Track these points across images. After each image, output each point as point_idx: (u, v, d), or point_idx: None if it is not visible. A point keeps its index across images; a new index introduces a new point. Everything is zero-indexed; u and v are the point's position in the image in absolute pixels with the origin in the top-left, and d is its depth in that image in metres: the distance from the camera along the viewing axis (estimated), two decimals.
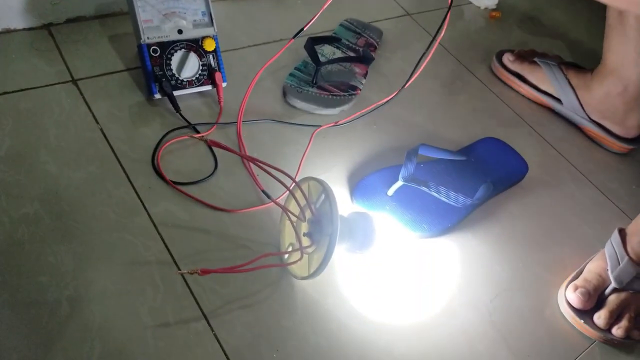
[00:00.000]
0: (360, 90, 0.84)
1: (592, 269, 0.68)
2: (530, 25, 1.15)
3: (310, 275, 0.57)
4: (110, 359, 0.51)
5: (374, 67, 0.89)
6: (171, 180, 0.65)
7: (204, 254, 0.60)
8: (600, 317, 0.65)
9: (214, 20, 0.74)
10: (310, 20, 0.77)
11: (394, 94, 0.79)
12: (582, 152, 0.90)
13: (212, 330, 0.55)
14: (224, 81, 0.75)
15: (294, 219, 0.59)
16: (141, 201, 0.63)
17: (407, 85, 0.77)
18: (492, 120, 0.90)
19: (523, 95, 0.96)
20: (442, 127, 0.85)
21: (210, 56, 0.74)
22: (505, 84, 0.97)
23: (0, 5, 0.73)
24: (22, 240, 0.56)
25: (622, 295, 0.66)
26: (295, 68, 0.83)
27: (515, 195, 0.78)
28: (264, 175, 0.60)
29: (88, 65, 0.74)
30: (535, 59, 0.94)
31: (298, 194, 0.60)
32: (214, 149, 0.70)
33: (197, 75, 0.73)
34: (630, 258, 0.65)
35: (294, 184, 0.59)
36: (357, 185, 0.71)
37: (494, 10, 1.13)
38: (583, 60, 1.10)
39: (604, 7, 0.83)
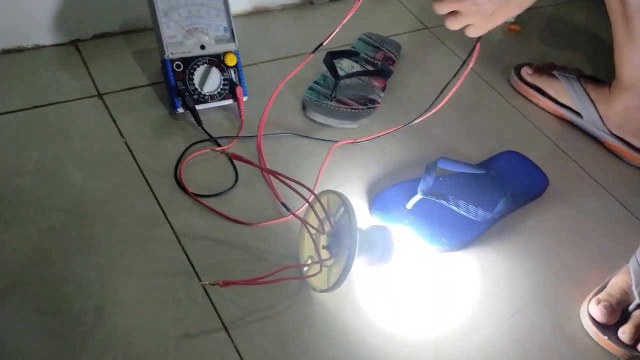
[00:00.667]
0: (379, 103, 0.84)
1: (616, 283, 0.67)
2: (550, 38, 1.15)
3: (330, 288, 0.57)
4: None
5: (392, 81, 0.89)
6: (193, 193, 0.66)
7: (224, 266, 0.61)
8: (625, 332, 0.64)
9: (235, 36, 0.76)
10: (330, 35, 0.78)
11: (418, 119, 0.79)
12: (603, 165, 0.89)
13: (232, 342, 0.56)
14: (244, 95, 0.76)
15: (313, 231, 0.59)
16: (164, 213, 0.64)
17: (433, 110, 0.76)
18: (511, 133, 0.89)
19: (543, 109, 0.95)
20: (462, 141, 0.85)
21: (232, 71, 0.75)
22: (524, 97, 0.96)
23: (30, 23, 0.76)
24: (48, 250, 0.58)
25: None
26: (315, 82, 0.84)
27: (535, 210, 0.78)
28: (284, 187, 0.60)
29: (113, 80, 0.76)
30: (554, 72, 0.93)
31: (317, 207, 0.61)
32: (235, 162, 0.71)
33: (219, 90, 0.75)
34: None
35: (312, 196, 0.60)
36: (376, 198, 0.71)
37: (513, 23, 1.13)
38: (605, 73, 1.09)
39: None
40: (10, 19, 0.74)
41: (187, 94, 0.72)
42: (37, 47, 0.78)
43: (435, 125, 0.86)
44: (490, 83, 0.97)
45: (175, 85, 0.72)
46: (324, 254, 0.59)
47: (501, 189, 0.75)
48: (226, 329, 0.56)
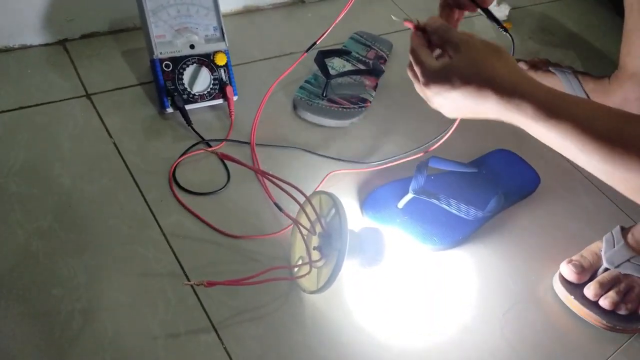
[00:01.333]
0: (371, 102, 0.84)
1: (591, 248, 0.70)
2: (541, 36, 1.15)
3: (319, 290, 0.57)
4: None
5: (384, 80, 0.89)
6: (183, 192, 0.65)
7: (214, 266, 0.61)
8: (589, 288, 0.66)
9: (225, 35, 0.75)
10: (324, 34, 0.78)
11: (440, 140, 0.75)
12: None
13: (222, 343, 0.55)
14: (235, 95, 0.76)
15: (304, 232, 0.59)
16: (153, 214, 0.63)
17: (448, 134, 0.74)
18: (503, 131, 0.89)
19: None
20: (454, 139, 0.85)
21: (222, 70, 0.75)
22: None
23: (17, 22, 0.75)
24: (36, 252, 0.57)
25: (614, 272, 0.67)
26: (306, 81, 0.84)
27: (527, 208, 0.78)
28: (276, 188, 0.60)
29: (102, 79, 0.76)
30: (550, 68, 0.93)
31: (308, 208, 0.60)
32: (228, 162, 0.70)
33: (209, 89, 0.74)
34: (626, 242, 0.67)
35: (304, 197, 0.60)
36: (367, 197, 0.71)
37: (504, 21, 1.13)
38: (595, 70, 1.09)
39: (615, 16, 0.83)
40: None
41: (176, 93, 0.72)
42: (24, 47, 0.77)
43: (427, 124, 0.86)
44: None
45: (164, 84, 0.71)
46: (315, 255, 0.59)
47: (493, 187, 0.75)
48: (216, 330, 0.56)
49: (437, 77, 0.55)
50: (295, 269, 0.61)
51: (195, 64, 0.73)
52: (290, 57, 0.88)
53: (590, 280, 0.68)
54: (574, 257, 0.69)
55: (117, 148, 0.69)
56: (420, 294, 0.65)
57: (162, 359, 0.53)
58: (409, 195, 0.68)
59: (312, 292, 0.59)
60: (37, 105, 0.71)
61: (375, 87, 0.86)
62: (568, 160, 0.87)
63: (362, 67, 0.89)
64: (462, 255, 0.70)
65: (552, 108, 0.50)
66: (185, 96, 0.73)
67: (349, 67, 0.88)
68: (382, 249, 0.61)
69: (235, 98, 0.76)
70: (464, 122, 0.89)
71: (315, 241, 0.60)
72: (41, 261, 0.57)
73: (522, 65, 0.95)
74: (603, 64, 1.10)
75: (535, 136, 0.53)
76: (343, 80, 0.85)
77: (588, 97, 0.89)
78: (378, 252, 0.61)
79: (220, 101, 0.75)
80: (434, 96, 0.57)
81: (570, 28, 1.20)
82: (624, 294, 0.66)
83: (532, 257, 0.72)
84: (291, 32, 0.93)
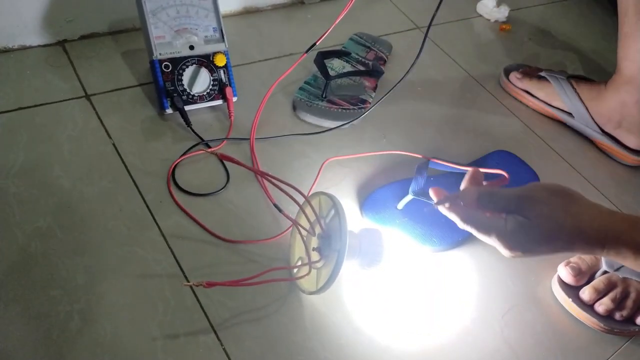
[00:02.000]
0: (370, 103, 0.84)
1: None
2: (540, 38, 1.15)
3: (318, 290, 0.57)
4: None
5: (383, 81, 0.89)
6: (182, 193, 0.65)
7: (213, 267, 0.61)
8: (584, 292, 0.67)
9: (225, 36, 0.75)
10: (324, 35, 0.78)
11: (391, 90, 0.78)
12: (594, 164, 0.89)
13: (222, 345, 0.55)
14: (234, 96, 0.76)
15: (304, 233, 0.59)
16: (152, 215, 0.63)
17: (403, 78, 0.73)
18: (502, 133, 0.89)
19: (533, 109, 0.95)
20: (453, 140, 0.85)
21: (221, 71, 0.75)
22: (515, 98, 0.96)
23: (16, 23, 0.75)
24: (34, 253, 0.57)
25: (612, 277, 0.67)
26: (305, 82, 0.84)
27: None
28: (276, 189, 0.60)
29: (101, 80, 0.76)
30: (543, 74, 0.93)
31: (308, 209, 0.60)
32: (227, 163, 0.70)
33: (208, 90, 0.74)
34: None
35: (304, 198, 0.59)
36: (367, 198, 0.71)
37: (504, 23, 1.13)
38: (594, 72, 1.09)
39: (614, 17, 0.83)
40: None
41: (175, 94, 0.72)
42: (23, 48, 0.77)
43: (426, 125, 0.86)
44: (482, 83, 0.97)
45: (163, 85, 0.71)
46: (314, 255, 0.59)
47: None
48: (215, 332, 0.56)
49: (516, 242, 0.51)
50: (295, 270, 0.61)
51: (194, 65, 0.73)
52: (290, 58, 0.88)
53: (589, 282, 0.68)
54: (572, 259, 0.69)
55: (116, 149, 0.69)
56: (420, 295, 0.64)
57: (160, 359, 0.53)
58: (409, 197, 0.67)
59: (311, 293, 0.59)
60: (36, 106, 0.71)
61: (374, 89, 0.86)
62: (565, 160, 0.88)
63: (361, 68, 0.89)
64: (462, 256, 0.70)
65: None
66: (184, 97, 0.73)
67: (348, 68, 0.88)
68: (381, 250, 0.61)
69: (234, 99, 0.76)
70: (462, 123, 0.89)
71: (314, 242, 0.60)
72: (40, 262, 0.57)
73: (516, 75, 0.95)
74: (602, 66, 1.10)
75: None
76: (342, 81, 0.85)
77: (584, 104, 0.89)
78: (377, 253, 0.61)
79: (219, 102, 0.75)
80: (521, 256, 0.53)
81: (569, 29, 1.20)
82: (619, 301, 0.66)
83: (532, 259, 0.72)
84: (291, 33, 0.93)
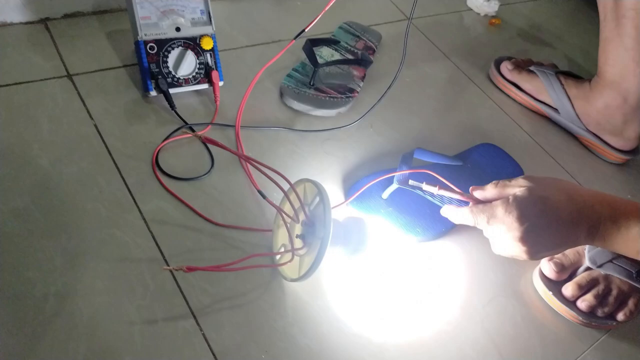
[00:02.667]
0: (358, 93, 0.83)
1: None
2: (529, 33, 1.15)
3: (300, 278, 0.56)
4: (96, 357, 0.50)
5: (372, 71, 0.88)
6: (166, 177, 0.64)
7: (195, 253, 0.60)
8: (567, 288, 0.67)
9: (212, 19, 0.74)
10: (312, 21, 0.77)
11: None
12: (578, 160, 0.90)
13: (201, 330, 0.54)
14: (220, 80, 0.74)
15: (288, 220, 0.58)
16: (133, 198, 0.62)
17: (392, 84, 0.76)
18: (489, 126, 0.89)
19: (520, 104, 0.95)
20: (439, 132, 0.85)
21: (208, 55, 0.74)
22: (502, 91, 0.97)
23: None
24: (10, 234, 0.56)
25: (594, 273, 0.68)
26: (293, 69, 0.83)
27: None
28: (260, 175, 0.59)
29: (84, 60, 0.74)
30: (532, 68, 0.93)
31: (292, 196, 0.59)
32: (212, 147, 0.69)
33: (194, 74, 0.73)
34: None
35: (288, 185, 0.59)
36: (352, 187, 0.70)
37: (493, 17, 1.13)
38: (582, 69, 1.10)
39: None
40: None
41: (160, 76, 0.70)
42: (4, 25, 0.75)
43: (414, 116, 0.86)
44: (470, 76, 0.97)
45: (148, 67, 0.70)
46: (298, 243, 0.58)
47: (477, 181, 0.75)
48: (195, 317, 0.55)
49: (525, 209, 0.55)
50: (277, 257, 0.61)
51: (180, 47, 0.72)
52: (278, 44, 0.87)
53: (570, 277, 0.68)
54: (555, 256, 0.69)
55: (98, 130, 0.67)
56: (402, 284, 0.64)
57: (138, 344, 0.52)
58: (394, 186, 0.67)
59: (293, 280, 0.58)
60: (16, 84, 0.69)
61: (363, 78, 0.86)
62: (550, 155, 0.89)
63: (350, 57, 0.88)
64: (445, 247, 0.70)
65: None
66: (169, 79, 0.71)
67: (337, 56, 0.87)
68: (365, 238, 0.61)
69: (221, 83, 0.75)
70: (449, 116, 0.89)
71: (298, 229, 0.60)
72: (16, 243, 0.55)
73: (507, 65, 0.95)
74: (589, 63, 1.11)
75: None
76: (331, 69, 0.84)
77: (570, 100, 0.89)
78: (361, 242, 0.61)
79: (205, 86, 0.74)
80: (521, 224, 0.55)
81: (558, 26, 1.21)
82: (601, 297, 0.67)
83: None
84: (280, 19, 0.92)
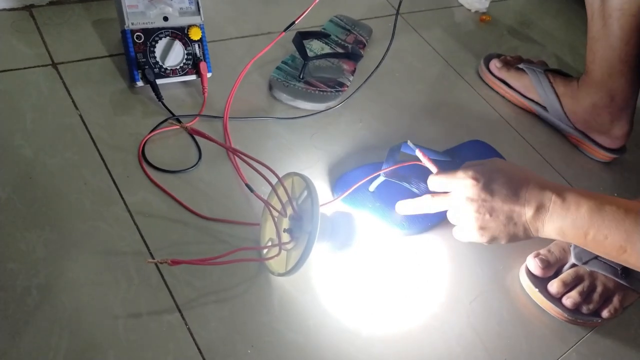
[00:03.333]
0: (348, 87, 0.83)
1: (559, 243, 0.71)
2: (519, 30, 1.15)
3: (287, 272, 0.56)
4: (78, 351, 0.49)
5: (362, 65, 0.88)
6: (152, 169, 0.63)
7: (181, 246, 0.59)
8: (552, 285, 0.68)
9: (201, 9, 0.73)
10: (303, 13, 0.76)
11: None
12: (566, 158, 0.90)
13: (186, 324, 0.54)
14: (209, 71, 0.73)
15: (275, 214, 0.58)
16: (118, 190, 0.61)
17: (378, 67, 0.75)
18: (478, 123, 0.89)
19: (509, 100, 0.96)
20: (428, 128, 0.85)
21: (196, 45, 0.73)
22: (491, 88, 0.97)
23: None
24: None
25: (580, 270, 0.68)
26: (283, 62, 0.82)
27: None
28: (248, 168, 0.58)
29: (69, 49, 0.73)
30: (521, 65, 0.94)
31: (280, 190, 0.59)
32: (199, 140, 0.68)
33: (182, 64, 0.72)
34: None
35: (276, 178, 0.58)
36: (339, 179, 0.70)
37: (484, 14, 1.13)
38: (571, 67, 1.10)
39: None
40: None
41: (147, 67, 0.69)
42: None
43: (403, 111, 0.85)
44: (459, 72, 0.97)
45: (135, 57, 0.69)
46: (285, 237, 0.58)
47: None
48: (180, 311, 0.54)
49: (480, 164, 0.61)
50: (264, 251, 0.60)
51: (168, 37, 0.70)
52: (268, 36, 0.86)
53: (556, 274, 0.69)
54: (541, 251, 0.70)
55: (83, 121, 0.66)
56: (389, 279, 0.64)
57: (122, 338, 0.51)
58: (381, 178, 0.67)
59: (280, 275, 0.58)
60: None
61: (353, 72, 0.85)
62: (538, 152, 0.89)
63: (340, 50, 0.87)
64: (432, 242, 0.70)
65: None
66: (156, 70, 0.70)
67: (327, 50, 0.86)
68: (353, 233, 0.61)
69: (209, 75, 0.74)
70: (439, 112, 0.89)
71: (286, 223, 0.59)
72: None
73: (496, 62, 0.95)
74: (579, 61, 1.12)
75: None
76: (321, 63, 0.84)
77: (559, 98, 0.90)
78: (349, 237, 0.61)
79: (193, 77, 0.73)
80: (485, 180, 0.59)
81: (548, 24, 1.21)
82: (586, 294, 0.67)
83: (501, 247, 0.72)
84: (270, 11, 0.91)
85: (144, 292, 0.54)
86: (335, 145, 0.76)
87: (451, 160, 0.77)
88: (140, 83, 0.70)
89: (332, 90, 0.81)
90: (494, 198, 0.58)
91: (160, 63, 0.70)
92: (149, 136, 0.66)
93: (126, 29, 0.68)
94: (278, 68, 0.81)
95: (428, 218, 0.69)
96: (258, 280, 0.59)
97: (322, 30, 0.90)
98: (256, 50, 0.79)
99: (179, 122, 0.70)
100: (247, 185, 0.65)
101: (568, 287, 0.67)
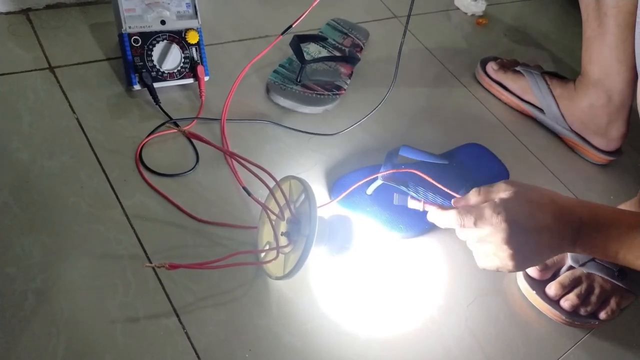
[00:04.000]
0: (345, 90, 0.83)
1: None
2: (516, 34, 1.16)
3: (285, 276, 0.56)
4: (75, 356, 0.49)
5: (359, 68, 0.88)
6: (149, 172, 0.63)
7: (178, 250, 0.59)
8: (550, 287, 0.68)
9: (198, 13, 0.73)
10: (300, 17, 0.76)
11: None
12: (562, 161, 0.90)
13: (184, 328, 0.54)
14: (206, 75, 0.74)
15: (273, 217, 0.58)
16: (115, 193, 0.61)
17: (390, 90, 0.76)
18: (475, 126, 0.90)
19: (505, 103, 0.96)
20: (426, 131, 0.85)
21: (193, 49, 0.73)
22: (488, 91, 0.97)
23: None
24: None
25: (577, 272, 0.69)
26: (280, 65, 0.82)
27: None
28: (246, 171, 0.58)
29: (66, 53, 0.72)
30: (518, 68, 0.94)
31: (278, 193, 0.59)
32: (197, 144, 0.68)
33: (179, 68, 0.72)
34: None
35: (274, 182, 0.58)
36: (337, 182, 0.70)
37: (481, 17, 1.13)
38: (567, 70, 1.11)
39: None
40: None
41: (144, 70, 0.69)
42: None
43: (401, 115, 0.86)
44: (456, 75, 0.98)
45: (132, 60, 0.69)
46: (283, 240, 0.58)
47: (461, 180, 0.75)
48: (177, 315, 0.54)
49: (509, 208, 0.54)
50: (262, 254, 0.60)
51: (165, 41, 0.71)
52: (265, 40, 0.86)
53: (554, 276, 0.69)
54: None
55: (80, 124, 0.66)
56: (387, 282, 0.64)
57: (119, 342, 0.51)
58: (378, 182, 0.67)
59: (278, 278, 0.58)
60: None
61: (350, 75, 0.85)
62: (534, 155, 0.89)
63: (338, 54, 0.87)
64: (430, 245, 0.70)
65: None
66: (153, 73, 0.70)
67: (324, 53, 0.87)
68: (351, 237, 0.61)
69: (206, 78, 0.74)
70: (436, 115, 0.89)
71: (283, 227, 0.59)
72: None
73: (493, 65, 0.96)
74: (575, 64, 1.12)
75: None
76: (318, 66, 0.84)
77: (555, 100, 0.90)
78: (346, 240, 0.60)
79: (190, 81, 0.73)
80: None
81: (545, 27, 1.22)
82: (584, 296, 0.67)
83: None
84: (267, 14, 0.91)
85: (141, 296, 0.54)
86: (333, 148, 0.76)
87: (448, 163, 0.78)
88: (137, 86, 0.70)
89: (330, 93, 0.81)
90: (526, 249, 0.54)
91: (158, 66, 0.70)
92: (146, 140, 0.66)
93: (123, 32, 0.68)
94: (275, 71, 0.81)
95: (425, 221, 0.69)
96: (256, 284, 0.59)
97: (320, 33, 0.90)
98: (253, 54, 0.79)
99: (177, 125, 0.70)
100: (244, 188, 0.64)
101: (566, 289, 0.68)
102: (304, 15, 0.77)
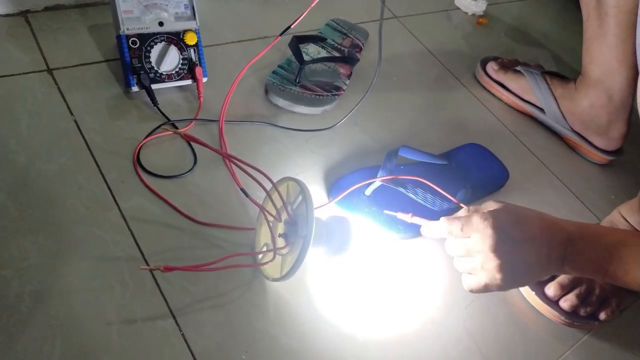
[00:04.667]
0: (344, 91, 0.83)
1: None
2: (516, 33, 1.15)
3: (282, 277, 0.56)
4: (72, 358, 0.49)
5: (358, 69, 0.88)
6: (146, 174, 0.63)
7: (175, 252, 0.59)
8: (549, 288, 0.67)
9: (196, 14, 0.73)
10: (299, 17, 0.76)
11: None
12: (562, 160, 0.90)
13: (180, 330, 0.54)
14: (204, 76, 0.73)
15: (270, 219, 0.57)
16: (113, 195, 0.61)
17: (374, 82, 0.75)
18: (475, 126, 0.89)
19: (506, 103, 0.96)
20: (425, 131, 0.85)
21: (192, 50, 0.73)
22: (488, 91, 0.97)
23: None
24: None
25: None
26: (279, 66, 0.82)
27: None
28: (244, 174, 0.58)
29: (65, 54, 0.73)
30: (519, 68, 0.94)
31: (275, 195, 0.59)
32: (195, 145, 0.68)
33: (177, 69, 0.72)
34: None
35: (271, 183, 0.58)
36: (335, 183, 0.70)
37: (481, 16, 1.13)
38: (568, 70, 1.10)
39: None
40: None
41: (142, 72, 0.69)
42: None
43: (400, 115, 0.85)
44: (456, 75, 0.97)
45: (130, 62, 0.69)
46: (280, 242, 0.58)
47: (461, 180, 0.75)
48: (174, 317, 0.54)
49: (498, 218, 0.54)
50: (259, 256, 0.60)
51: (163, 42, 0.70)
52: (264, 41, 0.86)
53: (553, 277, 0.69)
54: None
55: (78, 126, 0.66)
56: (385, 283, 0.64)
57: (116, 344, 0.51)
58: (377, 183, 0.67)
59: (275, 280, 0.57)
60: None
61: (349, 76, 0.85)
62: (535, 155, 0.89)
63: (337, 54, 0.87)
64: (428, 245, 0.69)
65: None
66: (152, 75, 0.70)
67: (323, 54, 0.86)
68: (348, 238, 0.60)
69: (204, 80, 0.74)
70: (435, 115, 0.89)
71: (281, 228, 0.59)
72: None
73: (493, 65, 0.95)
74: (576, 64, 1.12)
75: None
76: (317, 67, 0.84)
77: (556, 100, 0.90)
78: (344, 242, 0.60)
79: (188, 82, 0.73)
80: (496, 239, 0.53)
81: (545, 26, 1.21)
82: (584, 297, 0.67)
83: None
84: (266, 15, 0.91)
85: (138, 298, 0.54)
86: (331, 149, 0.75)
87: (447, 163, 0.77)
88: (135, 88, 0.70)
89: (329, 94, 0.81)
90: (513, 263, 0.53)
91: (156, 68, 0.70)
92: (144, 141, 0.66)
93: (121, 34, 0.68)
94: (274, 72, 0.81)
95: None
96: (253, 286, 0.59)
97: (319, 34, 0.90)
98: (252, 55, 0.79)
99: (175, 127, 0.70)
100: (242, 190, 0.65)
101: (565, 289, 0.67)
102: (303, 16, 0.77)
